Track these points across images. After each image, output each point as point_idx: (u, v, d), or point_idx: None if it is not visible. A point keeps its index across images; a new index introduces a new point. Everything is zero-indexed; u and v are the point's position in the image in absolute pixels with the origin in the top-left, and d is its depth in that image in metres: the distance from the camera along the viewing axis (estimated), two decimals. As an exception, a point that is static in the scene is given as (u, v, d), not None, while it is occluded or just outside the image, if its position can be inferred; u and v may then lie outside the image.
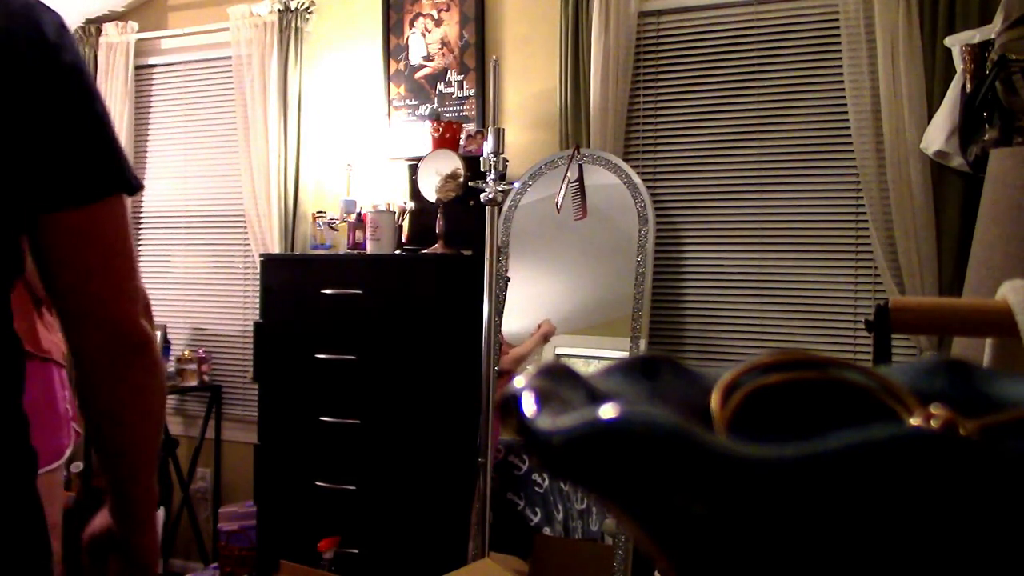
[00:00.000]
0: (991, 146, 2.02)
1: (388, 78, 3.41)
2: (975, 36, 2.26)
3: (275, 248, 3.47)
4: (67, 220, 0.89)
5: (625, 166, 2.84)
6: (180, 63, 3.90)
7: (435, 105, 3.32)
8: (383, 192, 3.31)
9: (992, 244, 1.65)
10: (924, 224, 2.52)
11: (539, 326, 2.87)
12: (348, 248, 3.18)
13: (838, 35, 2.69)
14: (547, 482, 2.76)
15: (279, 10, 3.52)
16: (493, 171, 2.55)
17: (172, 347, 3.75)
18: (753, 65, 2.86)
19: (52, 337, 1.69)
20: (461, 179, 2.91)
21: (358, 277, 2.93)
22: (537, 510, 2.76)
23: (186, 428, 3.82)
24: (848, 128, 2.66)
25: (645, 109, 3.01)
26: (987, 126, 2.09)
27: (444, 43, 3.31)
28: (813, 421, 0.39)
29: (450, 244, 2.98)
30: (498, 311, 2.83)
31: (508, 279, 2.91)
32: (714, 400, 0.38)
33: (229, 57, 3.64)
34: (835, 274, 2.75)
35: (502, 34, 3.23)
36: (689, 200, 2.94)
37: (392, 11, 3.39)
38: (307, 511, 2.97)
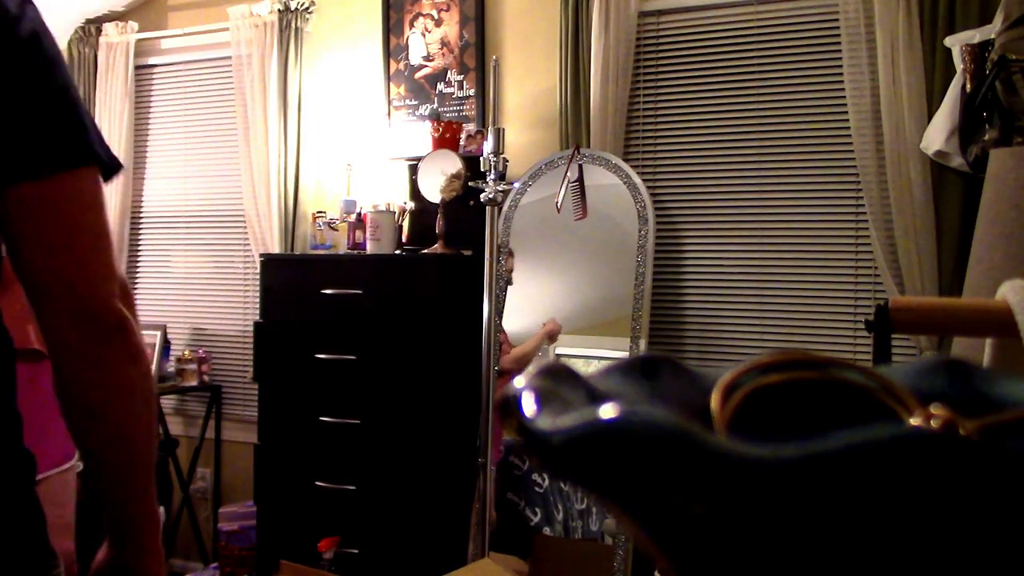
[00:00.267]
0: (991, 146, 2.02)
1: (388, 78, 3.41)
2: (975, 36, 2.26)
3: (275, 248, 3.47)
4: (27, 192, 0.85)
5: (625, 166, 2.84)
6: (180, 63, 3.90)
7: (435, 105, 3.32)
8: (383, 192, 3.31)
9: (992, 244, 1.65)
10: (924, 224, 2.52)
11: (544, 325, 2.87)
12: (348, 248, 3.18)
13: (838, 35, 2.69)
14: (547, 482, 2.76)
15: (279, 10, 3.52)
16: (493, 171, 2.55)
17: (172, 347, 3.75)
18: (753, 65, 2.86)
19: None
20: (461, 179, 2.91)
21: (358, 277, 2.93)
22: (537, 510, 2.76)
23: (186, 428, 3.82)
24: (848, 128, 2.66)
25: (645, 109, 3.01)
26: (987, 126, 2.09)
27: (444, 43, 3.31)
28: (813, 421, 0.39)
29: (450, 244, 2.98)
30: (498, 311, 2.83)
31: (510, 252, 2.90)
32: (714, 400, 0.38)
33: (229, 57, 3.65)
34: (835, 274, 2.75)
35: (502, 34, 3.23)
36: (689, 200, 2.94)
37: (392, 11, 3.39)
38: (307, 511, 2.97)
